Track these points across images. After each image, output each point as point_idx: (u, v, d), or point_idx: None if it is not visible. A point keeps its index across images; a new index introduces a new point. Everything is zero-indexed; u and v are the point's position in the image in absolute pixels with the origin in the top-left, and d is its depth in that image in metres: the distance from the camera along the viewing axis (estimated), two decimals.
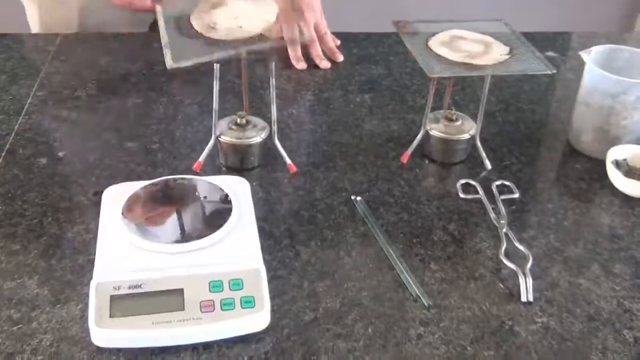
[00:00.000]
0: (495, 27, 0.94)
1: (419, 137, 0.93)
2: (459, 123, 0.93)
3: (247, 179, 0.82)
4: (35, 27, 1.29)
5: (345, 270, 0.74)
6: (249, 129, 0.89)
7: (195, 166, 0.87)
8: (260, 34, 0.80)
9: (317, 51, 1.15)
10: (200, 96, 1.05)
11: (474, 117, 0.93)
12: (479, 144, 0.93)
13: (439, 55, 0.87)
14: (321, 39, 1.15)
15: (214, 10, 0.83)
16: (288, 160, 0.89)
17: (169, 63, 0.74)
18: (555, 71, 0.84)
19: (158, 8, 0.84)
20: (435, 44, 0.89)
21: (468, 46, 0.89)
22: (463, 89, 1.10)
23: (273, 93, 0.85)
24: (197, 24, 0.81)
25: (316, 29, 1.14)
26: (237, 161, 0.89)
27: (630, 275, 0.76)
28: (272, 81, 0.84)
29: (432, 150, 0.94)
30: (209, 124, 0.88)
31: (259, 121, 0.91)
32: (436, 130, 0.92)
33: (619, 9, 2.73)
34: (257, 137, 0.88)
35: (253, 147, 0.88)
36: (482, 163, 0.92)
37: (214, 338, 0.64)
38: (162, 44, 0.78)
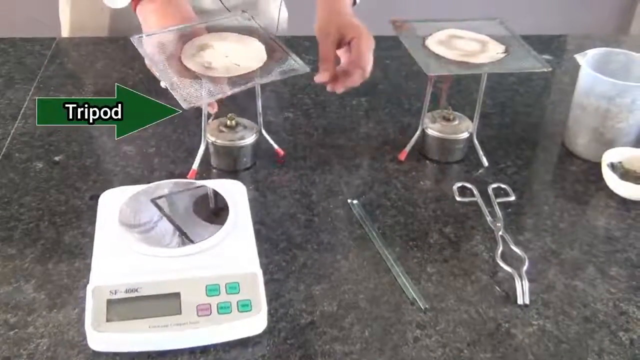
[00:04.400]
0: (491, 26, 0.95)
1: (416, 135, 0.93)
2: (456, 122, 0.93)
3: (241, 180, 0.81)
4: (65, 31, 1.29)
5: (341, 273, 0.74)
6: (240, 130, 0.89)
7: (190, 174, 0.87)
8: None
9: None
10: None
11: (470, 118, 0.93)
12: (476, 141, 0.93)
13: (436, 54, 0.87)
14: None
15: (202, 52, 0.85)
16: (275, 146, 0.89)
17: (184, 104, 0.77)
18: (551, 69, 0.85)
19: (135, 43, 0.85)
20: (432, 42, 0.89)
21: (465, 45, 0.90)
22: (459, 91, 1.10)
23: (258, 86, 0.86)
24: (192, 65, 0.83)
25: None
26: (231, 163, 0.89)
27: (626, 277, 0.76)
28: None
29: (429, 150, 0.94)
30: None
31: (247, 122, 0.91)
32: (433, 130, 0.92)
33: (614, 12, 2.73)
34: (248, 138, 0.88)
35: (245, 148, 0.89)
36: (479, 164, 0.93)
37: (211, 342, 0.64)
38: (167, 87, 0.79)
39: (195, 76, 0.81)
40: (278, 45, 0.87)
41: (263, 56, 0.85)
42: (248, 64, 0.83)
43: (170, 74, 0.81)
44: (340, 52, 0.97)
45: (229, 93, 0.82)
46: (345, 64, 0.96)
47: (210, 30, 0.91)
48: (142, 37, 0.87)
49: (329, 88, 0.95)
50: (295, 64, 0.84)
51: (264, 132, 0.91)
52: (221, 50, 0.86)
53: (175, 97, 0.78)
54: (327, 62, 0.95)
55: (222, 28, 0.91)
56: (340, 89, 0.95)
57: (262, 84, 0.85)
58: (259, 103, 0.88)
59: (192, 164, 0.88)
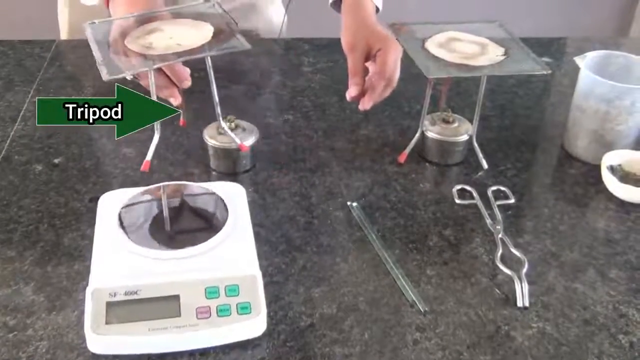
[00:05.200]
0: (490, 28, 0.95)
1: (416, 137, 0.93)
2: (455, 125, 0.93)
3: (240, 183, 0.82)
4: (64, 33, 1.29)
5: (341, 275, 0.74)
6: (239, 133, 0.89)
7: (143, 166, 0.85)
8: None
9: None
10: (195, 103, 1.04)
11: (470, 121, 0.93)
12: (475, 144, 0.93)
13: (436, 57, 0.87)
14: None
15: (148, 35, 0.85)
16: (238, 141, 0.88)
17: (105, 76, 0.76)
18: (550, 72, 0.85)
19: (86, 29, 0.85)
20: (431, 45, 0.89)
21: (464, 47, 0.90)
22: (459, 94, 1.11)
23: (211, 72, 0.85)
24: (133, 46, 0.83)
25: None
26: (230, 165, 0.89)
27: (626, 279, 0.76)
28: (208, 60, 0.84)
29: (429, 152, 0.94)
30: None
31: (246, 124, 0.91)
32: (433, 132, 0.92)
33: (614, 15, 2.74)
34: (247, 140, 0.88)
35: (244, 150, 0.89)
36: (478, 166, 0.93)
37: (210, 344, 0.64)
38: (97, 63, 0.79)
39: (137, 55, 0.81)
40: (230, 29, 0.85)
41: (208, 36, 0.85)
42: (190, 42, 0.83)
43: (109, 53, 0.81)
44: (368, 64, 0.96)
45: (169, 63, 0.82)
46: (370, 76, 0.95)
47: (174, 17, 0.90)
48: (94, 23, 0.86)
49: (359, 107, 0.94)
50: (237, 42, 0.83)
51: (222, 122, 0.88)
52: (168, 33, 0.86)
53: (100, 71, 0.77)
54: (356, 76, 0.94)
55: (180, 15, 0.90)
56: (368, 105, 0.94)
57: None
58: (214, 88, 0.86)
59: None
